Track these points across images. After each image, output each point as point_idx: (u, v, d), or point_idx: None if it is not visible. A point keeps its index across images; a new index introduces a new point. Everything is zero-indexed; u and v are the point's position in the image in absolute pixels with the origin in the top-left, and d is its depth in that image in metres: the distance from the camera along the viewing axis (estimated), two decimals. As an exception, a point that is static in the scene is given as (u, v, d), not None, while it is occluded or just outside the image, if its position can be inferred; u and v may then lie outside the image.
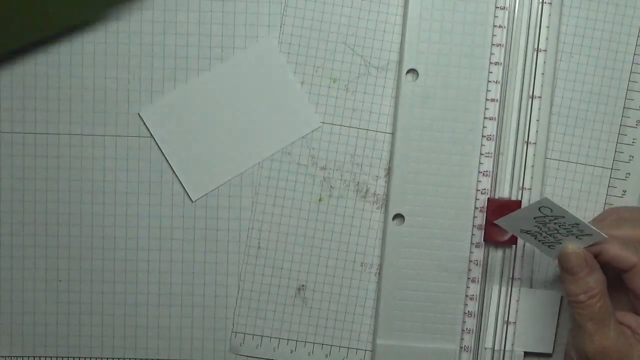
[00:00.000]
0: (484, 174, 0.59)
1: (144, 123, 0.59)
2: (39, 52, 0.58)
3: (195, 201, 0.60)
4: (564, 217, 0.51)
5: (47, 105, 0.59)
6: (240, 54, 0.58)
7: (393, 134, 0.59)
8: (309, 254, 0.61)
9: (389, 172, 0.60)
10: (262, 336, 0.62)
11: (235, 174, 0.60)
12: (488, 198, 0.59)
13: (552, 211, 0.50)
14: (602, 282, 0.51)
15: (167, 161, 0.59)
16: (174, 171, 0.59)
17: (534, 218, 0.52)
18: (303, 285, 0.62)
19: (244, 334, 0.62)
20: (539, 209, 0.51)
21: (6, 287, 0.60)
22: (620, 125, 0.60)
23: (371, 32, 0.59)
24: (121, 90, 0.59)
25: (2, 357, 0.61)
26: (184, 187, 0.60)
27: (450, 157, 0.59)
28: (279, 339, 0.62)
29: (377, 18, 0.59)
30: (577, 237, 0.51)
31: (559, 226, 0.51)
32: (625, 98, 0.59)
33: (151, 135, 0.59)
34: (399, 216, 0.60)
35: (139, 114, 0.59)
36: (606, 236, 0.51)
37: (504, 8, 0.58)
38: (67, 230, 0.60)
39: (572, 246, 0.52)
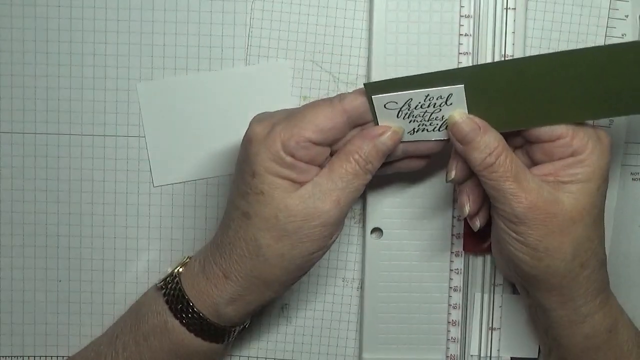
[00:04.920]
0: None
1: (137, 97, 0.59)
2: (39, 52, 0.58)
3: (156, 186, 0.60)
4: (411, 98, 0.49)
5: (47, 105, 0.59)
6: (252, 67, 0.59)
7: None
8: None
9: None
10: (248, 357, 0.62)
11: (205, 176, 0.60)
12: None
13: (396, 103, 0.49)
14: (500, 138, 0.49)
15: (145, 138, 0.59)
16: (147, 150, 0.60)
17: (397, 117, 0.50)
18: (286, 304, 0.62)
19: (230, 355, 0.62)
20: (384, 106, 0.50)
21: (6, 287, 0.60)
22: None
23: (338, 47, 0.59)
24: (121, 90, 0.59)
25: (2, 357, 0.60)
26: (150, 170, 0.60)
27: (427, 168, 0.58)
28: (265, 358, 0.62)
29: (342, 34, 0.59)
30: (447, 104, 0.49)
31: (422, 107, 0.50)
32: None
33: (140, 112, 0.59)
34: (377, 230, 0.60)
35: (136, 86, 0.59)
36: (461, 85, 0.48)
37: (469, 16, 0.58)
38: (67, 230, 0.60)
39: (455, 112, 0.50)
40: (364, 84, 0.49)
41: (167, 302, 0.52)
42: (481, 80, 0.48)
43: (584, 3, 0.59)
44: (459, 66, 0.58)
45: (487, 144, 0.49)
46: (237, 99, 0.59)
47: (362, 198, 0.60)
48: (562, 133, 0.49)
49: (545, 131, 0.50)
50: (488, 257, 0.61)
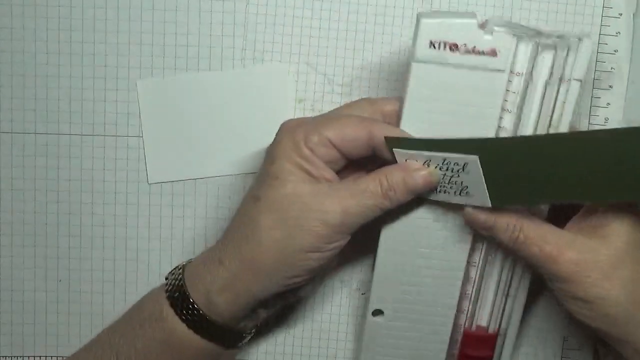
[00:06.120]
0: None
1: (137, 94, 0.59)
2: (39, 52, 0.58)
3: (151, 183, 0.60)
4: (430, 159, 0.49)
5: (47, 105, 0.59)
6: (252, 68, 0.59)
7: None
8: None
9: (373, 268, 0.56)
10: None
11: (204, 176, 0.61)
12: (464, 330, 0.57)
13: (416, 161, 0.50)
14: (515, 212, 0.50)
15: (142, 137, 0.60)
16: (143, 147, 0.60)
17: None
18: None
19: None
20: (405, 161, 0.50)
21: (6, 287, 0.60)
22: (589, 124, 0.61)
23: (332, 50, 0.60)
24: (121, 90, 0.59)
25: (2, 357, 0.60)
26: (146, 167, 0.60)
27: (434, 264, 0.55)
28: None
29: (337, 36, 0.59)
30: (464, 171, 0.49)
31: (441, 169, 0.50)
32: (592, 97, 0.60)
33: (139, 109, 0.59)
34: (379, 312, 0.56)
35: (136, 83, 0.59)
36: (476, 156, 0.48)
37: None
38: (67, 230, 0.60)
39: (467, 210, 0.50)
40: (385, 137, 0.50)
41: (166, 290, 0.52)
42: (496, 152, 0.48)
43: (578, 2, 0.60)
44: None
45: (507, 222, 0.50)
46: (236, 100, 0.60)
47: (369, 278, 0.58)
48: None
49: None
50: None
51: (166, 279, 0.54)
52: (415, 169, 0.50)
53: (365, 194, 0.49)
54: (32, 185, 0.59)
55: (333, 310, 0.62)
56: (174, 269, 0.54)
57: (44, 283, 0.60)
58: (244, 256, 0.50)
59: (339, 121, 0.51)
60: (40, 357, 0.61)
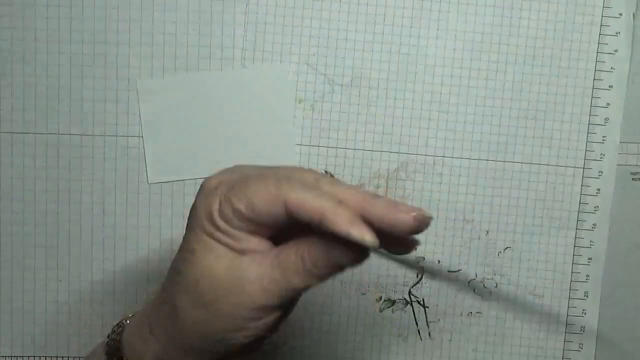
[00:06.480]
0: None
1: (137, 94, 0.59)
2: (39, 53, 0.58)
3: (151, 184, 0.60)
4: None
5: (47, 105, 0.59)
6: (252, 68, 0.59)
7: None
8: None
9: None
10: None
11: (204, 176, 0.60)
12: None
13: None
14: None
15: (142, 137, 0.60)
16: (143, 147, 0.60)
17: None
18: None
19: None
20: None
21: (6, 287, 0.60)
22: (589, 124, 0.61)
23: (332, 50, 0.60)
24: (121, 91, 0.59)
25: (2, 357, 0.60)
26: (146, 167, 0.60)
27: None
28: None
29: (337, 36, 0.60)
30: None
31: None
32: (592, 97, 0.61)
33: (139, 109, 0.59)
34: None
35: (136, 82, 0.59)
36: None
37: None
38: (67, 230, 0.60)
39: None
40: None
41: (106, 352, 0.46)
42: None
43: (578, 2, 0.60)
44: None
45: None
46: (236, 100, 0.60)
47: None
48: None
49: None
50: None
51: (108, 336, 0.48)
52: (343, 242, 0.39)
53: (286, 272, 0.41)
54: (32, 185, 0.59)
55: (334, 310, 0.62)
56: (115, 326, 0.48)
57: (44, 283, 0.60)
58: (170, 333, 0.44)
59: (253, 188, 0.41)
60: (40, 357, 0.61)
